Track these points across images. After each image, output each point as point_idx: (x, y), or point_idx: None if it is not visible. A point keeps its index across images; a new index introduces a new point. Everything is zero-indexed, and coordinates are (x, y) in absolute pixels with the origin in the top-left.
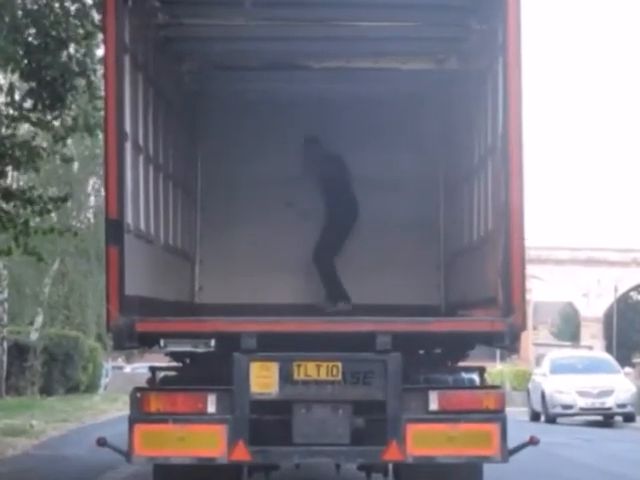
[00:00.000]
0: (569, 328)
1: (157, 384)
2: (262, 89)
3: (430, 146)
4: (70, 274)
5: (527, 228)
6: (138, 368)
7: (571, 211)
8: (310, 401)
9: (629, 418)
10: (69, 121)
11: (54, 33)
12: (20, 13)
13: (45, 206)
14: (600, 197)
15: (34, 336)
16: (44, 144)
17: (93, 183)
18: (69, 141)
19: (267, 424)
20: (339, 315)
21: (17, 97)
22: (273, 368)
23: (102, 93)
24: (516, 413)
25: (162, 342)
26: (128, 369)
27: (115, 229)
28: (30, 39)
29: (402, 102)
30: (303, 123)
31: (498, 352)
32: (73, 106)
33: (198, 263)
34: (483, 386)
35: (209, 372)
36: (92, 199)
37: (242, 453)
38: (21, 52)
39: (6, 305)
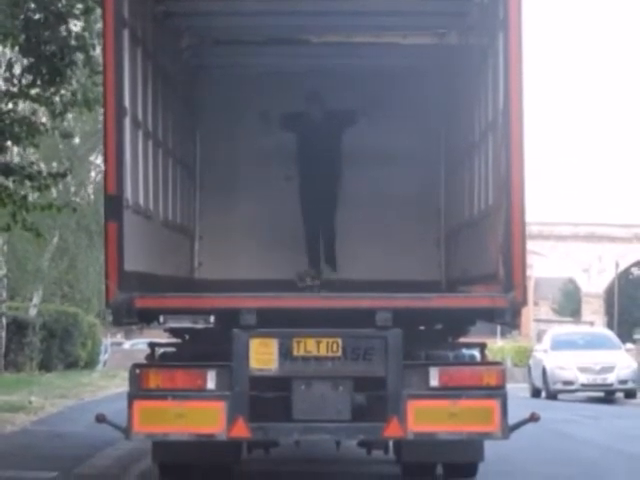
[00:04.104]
0: (570, 304)
1: (156, 360)
2: (262, 64)
3: (431, 121)
4: (71, 249)
5: (528, 203)
6: (137, 344)
7: (573, 186)
8: (310, 377)
9: (630, 394)
10: (68, 96)
11: (53, 8)
12: None
13: (44, 182)
14: (602, 172)
15: (33, 312)
16: (44, 119)
17: (94, 158)
18: (70, 116)
19: (267, 401)
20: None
21: (16, 72)
22: (273, 344)
23: (101, 68)
24: (517, 389)
25: (161, 318)
26: (127, 345)
27: (114, 205)
28: (29, 14)
29: (403, 77)
30: (304, 98)
31: (499, 328)
32: (72, 81)
33: (197, 239)
34: (484, 362)
35: (208, 348)
36: (93, 174)
37: (241, 430)
38: (20, 27)
39: (5, 281)
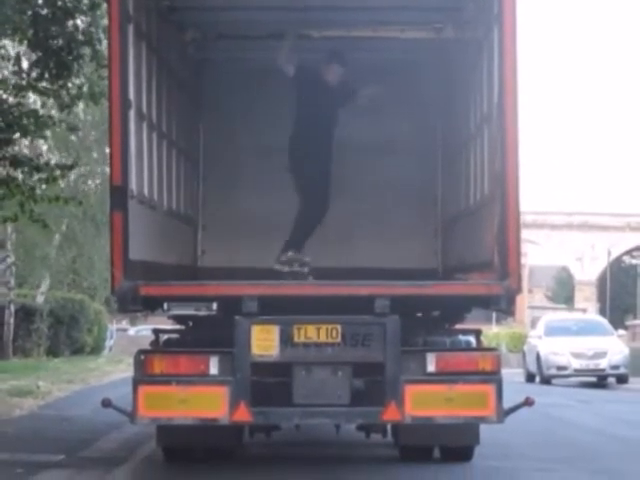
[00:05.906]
0: (564, 291)
1: (160, 346)
2: (264, 58)
3: (428, 113)
4: (78, 238)
5: (523, 193)
6: (142, 330)
7: (567, 177)
8: (310, 363)
9: (622, 379)
10: (75, 89)
11: (60, 3)
12: None
13: (52, 173)
14: (595, 163)
15: (40, 299)
16: (53, 112)
17: (102, 149)
18: (80, 108)
19: (268, 386)
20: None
21: (24, 66)
22: (274, 331)
23: (107, 62)
24: (512, 374)
25: (165, 305)
26: (132, 331)
27: (119, 195)
28: (37, 9)
29: (401, 70)
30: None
31: (494, 315)
32: (79, 75)
33: (201, 228)
34: (479, 348)
35: (211, 335)
36: (100, 165)
37: (243, 414)
38: (28, 22)
39: (13, 269)
